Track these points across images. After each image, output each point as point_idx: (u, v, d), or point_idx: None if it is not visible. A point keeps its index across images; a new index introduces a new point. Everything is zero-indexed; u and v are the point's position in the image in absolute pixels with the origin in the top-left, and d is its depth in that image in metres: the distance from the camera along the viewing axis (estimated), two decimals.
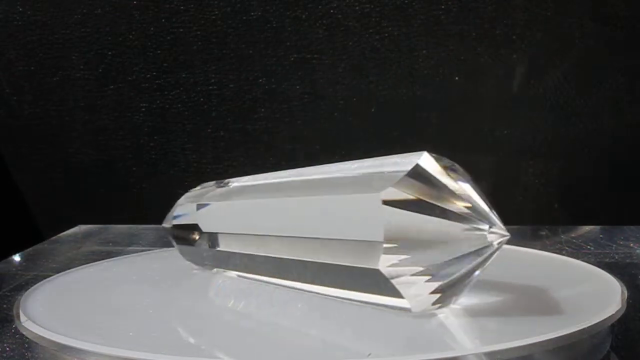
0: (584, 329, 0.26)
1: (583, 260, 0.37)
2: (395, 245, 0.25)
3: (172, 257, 0.42)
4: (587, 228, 0.52)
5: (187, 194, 0.38)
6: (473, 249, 0.26)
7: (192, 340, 0.27)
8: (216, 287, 0.35)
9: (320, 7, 0.58)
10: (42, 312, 0.30)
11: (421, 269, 0.25)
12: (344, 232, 0.27)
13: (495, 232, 0.26)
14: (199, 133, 0.60)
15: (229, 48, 0.59)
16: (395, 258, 0.25)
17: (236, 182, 0.35)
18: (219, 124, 0.60)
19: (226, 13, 0.59)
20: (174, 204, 0.38)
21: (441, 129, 0.59)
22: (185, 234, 0.36)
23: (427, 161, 0.26)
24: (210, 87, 0.60)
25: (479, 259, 0.26)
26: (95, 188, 0.62)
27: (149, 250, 0.47)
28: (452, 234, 0.25)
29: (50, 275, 0.37)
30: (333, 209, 0.28)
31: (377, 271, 0.25)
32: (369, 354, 0.25)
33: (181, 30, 0.59)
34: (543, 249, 0.41)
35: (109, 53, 0.60)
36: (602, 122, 0.58)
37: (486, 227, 0.25)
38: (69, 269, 0.39)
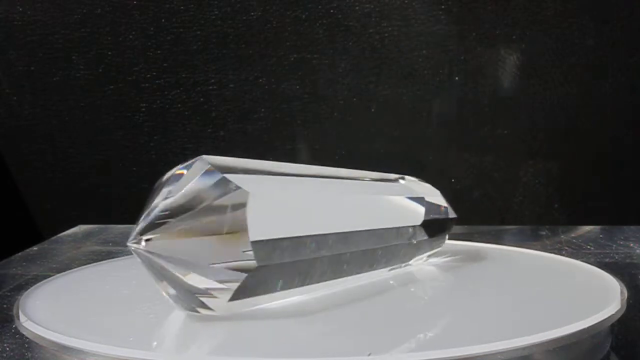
0: (584, 329, 0.26)
1: (583, 260, 0.37)
2: None
3: None
4: (587, 228, 0.52)
5: None
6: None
7: (192, 340, 0.27)
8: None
9: (320, 7, 0.58)
10: (42, 312, 0.30)
11: None
12: None
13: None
14: (199, 133, 0.60)
15: (229, 48, 0.59)
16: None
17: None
18: (219, 124, 0.60)
19: (226, 13, 0.59)
20: None
21: (441, 128, 0.59)
22: None
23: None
24: (210, 87, 0.60)
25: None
26: (95, 188, 0.62)
27: None
28: None
29: (50, 275, 0.36)
30: None
31: None
32: (369, 354, 0.25)
33: (181, 30, 0.59)
34: (543, 249, 0.41)
35: (109, 53, 0.60)
36: (602, 122, 0.58)
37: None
38: (69, 269, 0.39)
